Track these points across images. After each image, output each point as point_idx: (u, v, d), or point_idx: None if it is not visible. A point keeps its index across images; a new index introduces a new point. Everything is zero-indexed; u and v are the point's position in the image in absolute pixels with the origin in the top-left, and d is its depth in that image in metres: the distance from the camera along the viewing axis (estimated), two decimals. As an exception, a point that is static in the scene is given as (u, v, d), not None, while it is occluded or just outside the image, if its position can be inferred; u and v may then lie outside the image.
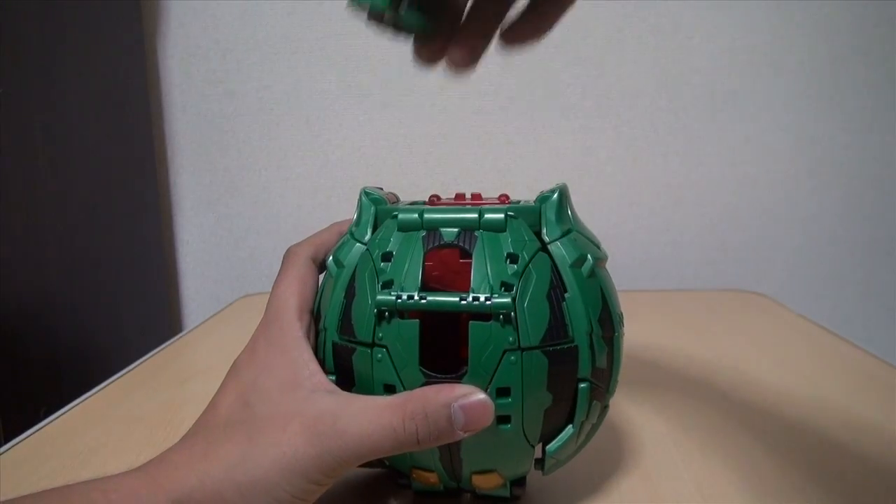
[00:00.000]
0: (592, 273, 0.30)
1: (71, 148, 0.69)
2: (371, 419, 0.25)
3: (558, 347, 0.28)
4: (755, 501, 0.34)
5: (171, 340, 0.65)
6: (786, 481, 0.36)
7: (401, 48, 0.86)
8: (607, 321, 0.30)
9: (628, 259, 0.90)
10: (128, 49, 0.82)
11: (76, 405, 0.49)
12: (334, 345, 0.30)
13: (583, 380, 0.29)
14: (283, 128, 0.89)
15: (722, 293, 0.81)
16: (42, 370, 0.64)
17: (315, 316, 0.32)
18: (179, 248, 0.93)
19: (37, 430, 0.44)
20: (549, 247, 0.30)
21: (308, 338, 0.30)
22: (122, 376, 0.55)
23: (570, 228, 0.31)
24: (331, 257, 0.32)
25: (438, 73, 0.86)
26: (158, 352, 0.62)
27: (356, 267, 0.30)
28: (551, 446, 0.30)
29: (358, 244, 0.31)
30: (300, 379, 0.28)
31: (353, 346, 0.29)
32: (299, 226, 0.91)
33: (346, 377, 0.30)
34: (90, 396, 0.51)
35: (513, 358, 0.27)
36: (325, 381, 0.28)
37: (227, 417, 0.28)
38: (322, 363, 0.31)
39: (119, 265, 0.79)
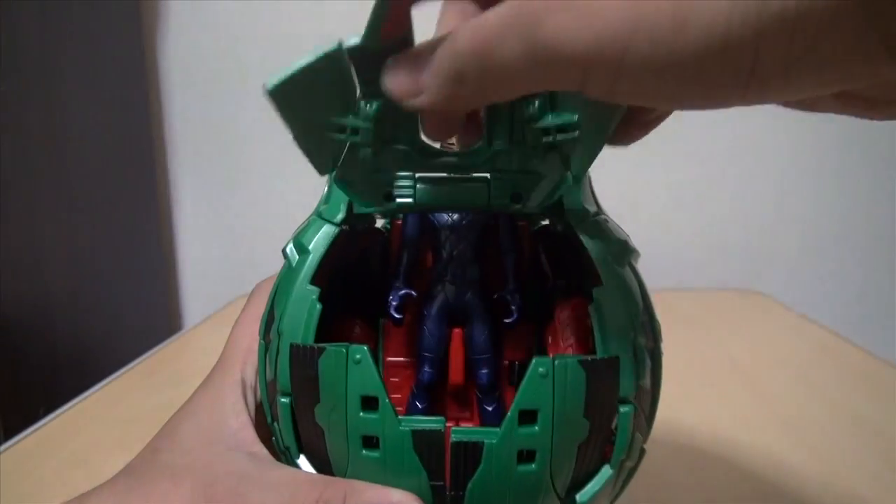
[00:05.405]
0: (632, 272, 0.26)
1: (71, 147, 0.69)
2: (280, 493, 0.22)
3: (598, 357, 0.22)
4: (755, 501, 0.34)
5: (171, 340, 0.65)
6: (785, 480, 0.36)
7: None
8: (648, 327, 0.24)
9: (628, 259, 0.90)
10: (128, 49, 0.82)
11: (76, 405, 0.49)
12: (294, 349, 0.23)
13: (624, 401, 0.22)
14: (283, 128, 0.89)
15: (722, 293, 0.81)
16: (42, 370, 0.63)
17: (264, 323, 0.26)
18: (179, 247, 0.93)
19: (36, 430, 0.44)
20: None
21: (253, 386, 0.27)
22: (121, 376, 0.55)
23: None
24: (290, 244, 0.26)
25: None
26: (158, 351, 0.62)
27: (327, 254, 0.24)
28: (583, 495, 0.23)
29: (328, 225, 0.25)
30: (222, 432, 0.25)
31: (322, 345, 0.23)
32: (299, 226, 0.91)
33: (306, 391, 0.23)
34: (89, 396, 0.51)
35: (542, 369, 0.21)
36: (250, 440, 0.24)
37: (130, 465, 0.25)
38: (273, 384, 0.24)
39: (119, 265, 0.79)
